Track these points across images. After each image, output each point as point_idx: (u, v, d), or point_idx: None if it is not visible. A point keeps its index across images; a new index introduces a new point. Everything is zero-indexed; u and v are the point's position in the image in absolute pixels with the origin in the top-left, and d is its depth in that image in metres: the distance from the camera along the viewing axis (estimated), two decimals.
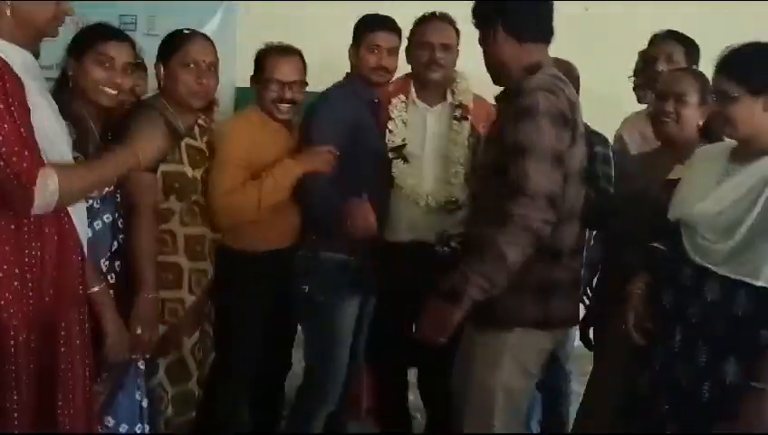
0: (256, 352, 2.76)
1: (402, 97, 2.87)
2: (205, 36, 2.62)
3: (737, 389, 2.00)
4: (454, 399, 2.40)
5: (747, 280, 1.99)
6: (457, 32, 2.85)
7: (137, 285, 2.34)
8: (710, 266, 2.07)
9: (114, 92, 2.23)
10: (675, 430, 2.12)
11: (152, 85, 2.80)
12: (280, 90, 2.66)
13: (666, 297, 2.18)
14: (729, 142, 2.21)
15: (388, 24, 2.81)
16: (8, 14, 1.83)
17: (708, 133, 2.45)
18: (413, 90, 2.89)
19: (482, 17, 2.26)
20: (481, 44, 2.29)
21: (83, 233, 2.03)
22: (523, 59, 2.22)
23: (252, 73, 2.78)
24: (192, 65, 2.50)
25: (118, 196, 2.28)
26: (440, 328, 2.13)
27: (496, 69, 2.28)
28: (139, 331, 2.32)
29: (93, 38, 2.25)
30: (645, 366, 2.22)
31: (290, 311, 2.83)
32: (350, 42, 2.86)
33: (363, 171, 2.72)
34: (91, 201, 2.15)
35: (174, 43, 2.55)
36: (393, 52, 2.81)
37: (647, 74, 3.14)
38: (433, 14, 2.86)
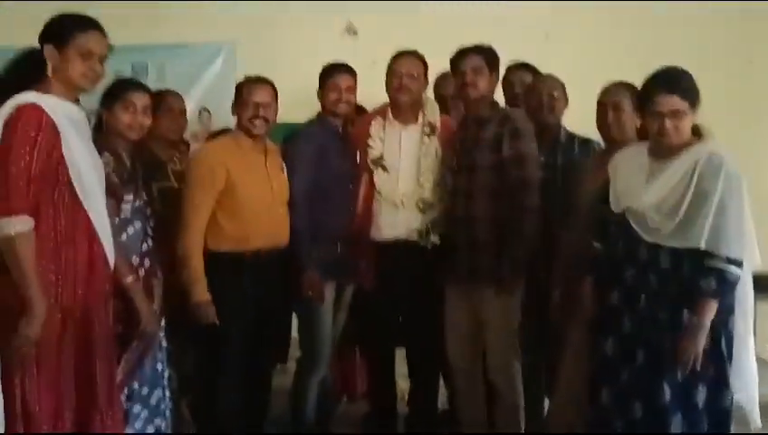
0: (243, 349, 3.20)
1: (380, 119, 3.54)
2: None
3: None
4: None
5: (689, 246, 2.51)
6: (425, 66, 3.47)
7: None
8: (661, 242, 2.59)
9: (139, 130, 2.88)
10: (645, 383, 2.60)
11: None
12: (255, 109, 3.20)
13: (627, 274, 2.66)
14: (641, 144, 2.75)
15: (343, 68, 3.46)
16: (50, 74, 2.36)
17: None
18: (389, 113, 3.54)
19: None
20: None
21: (108, 245, 2.49)
22: None
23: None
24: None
25: (148, 209, 2.92)
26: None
27: None
28: None
29: (119, 90, 2.89)
30: (610, 334, 2.71)
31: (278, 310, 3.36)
32: None
33: (332, 184, 3.39)
34: (124, 214, 2.78)
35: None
36: (350, 90, 3.44)
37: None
38: (403, 51, 3.48)
